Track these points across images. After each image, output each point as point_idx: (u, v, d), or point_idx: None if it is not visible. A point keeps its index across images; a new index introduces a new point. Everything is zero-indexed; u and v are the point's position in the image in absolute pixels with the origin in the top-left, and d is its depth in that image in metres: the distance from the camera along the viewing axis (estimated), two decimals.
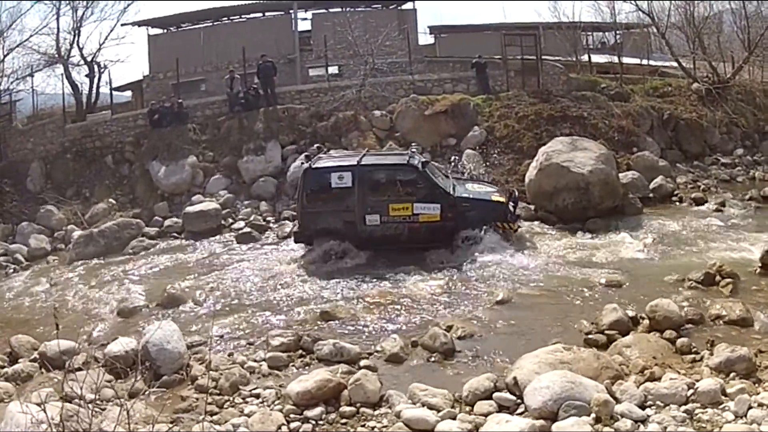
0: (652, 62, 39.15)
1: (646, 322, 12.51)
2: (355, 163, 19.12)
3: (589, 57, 38.09)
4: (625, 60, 37.00)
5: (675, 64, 34.83)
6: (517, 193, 20.36)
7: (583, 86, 30.42)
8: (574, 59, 37.43)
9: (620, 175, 22.82)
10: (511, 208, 19.31)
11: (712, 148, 29.13)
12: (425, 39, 47.37)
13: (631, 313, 12.86)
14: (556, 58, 35.20)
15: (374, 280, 16.42)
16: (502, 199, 18.85)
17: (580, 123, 26.72)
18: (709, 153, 28.79)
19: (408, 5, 44.70)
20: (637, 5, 36.85)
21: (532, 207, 21.80)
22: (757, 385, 9.65)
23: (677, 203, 23.21)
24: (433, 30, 47.97)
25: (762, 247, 16.23)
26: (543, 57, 32.19)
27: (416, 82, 30.64)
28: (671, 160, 26.85)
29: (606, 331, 12.25)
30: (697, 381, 9.57)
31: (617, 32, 43.36)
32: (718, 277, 14.92)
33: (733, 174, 27.15)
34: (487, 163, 25.06)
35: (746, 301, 13.59)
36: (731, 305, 13.07)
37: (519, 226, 19.34)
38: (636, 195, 22.55)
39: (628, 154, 25.79)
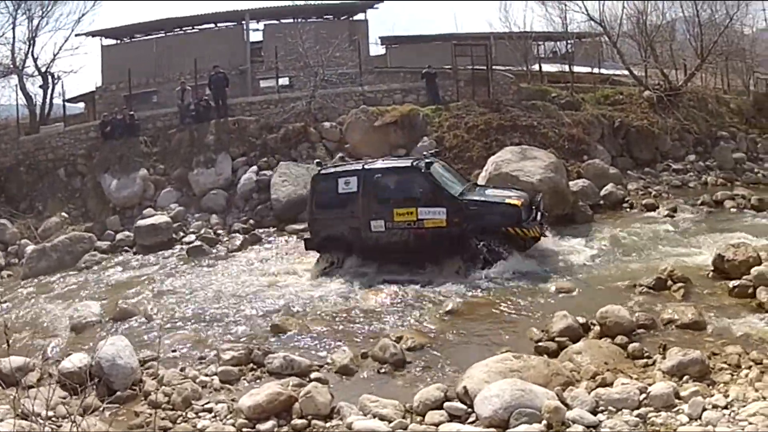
0: (603, 71, 40.13)
1: (597, 328, 12.62)
2: (361, 167, 19.14)
3: (540, 66, 38.67)
4: (577, 69, 37.80)
5: (627, 72, 35.56)
6: (540, 197, 19.65)
7: (533, 95, 30.79)
8: (525, 69, 37.85)
9: (571, 183, 23.05)
10: (534, 213, 18.37)
11: (664, 154, 29.70)
12: (377, 50, 47.97)
13: (581, 320, 12.95)
14: (507, 67, 35.49)
15: (328, 292, 16.45)
16: (517, 203, 18.05)
17: (530, 132, 27.05)
18: (660, 159, 29.31)
19: (360, 16, 45.12)
20: (588, 15, 37.44)
21: None
22: (711, 387, 9.80)
23: (628, 210, 23.55)
24: (385, 41, 48.63)
25: (714, 251, 16.55)
26: (493, 67, 32.48)
27: (366, 93, 30.97)
28: (622, 168, 27.34)
29: (557, 339, 12.31)
30: (650, 385, 9.71)
31: (569, 41, 44.08)
32: (669, 282, 15.20)
33: (685, 180, 27.62)
34: None
35: (698, 304, 13.85)
36: (683, 309, 13.26)
37: (542, 234, 18.47)
38: (586, 203, 22.75)
39: (579, 162, 26.16)
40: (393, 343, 12.29)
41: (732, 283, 14.82)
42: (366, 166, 18.93)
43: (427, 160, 18.61)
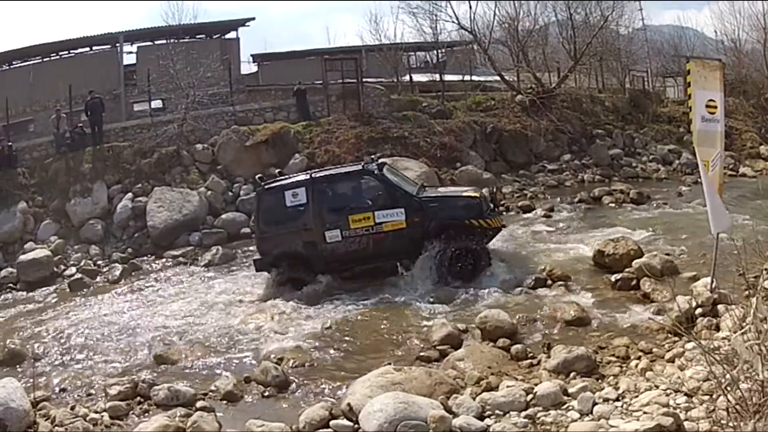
0: (475, 78, 41.27)
1: (478, 332, 12.80)
2: (308, 177, 18.48)
3: (411, 77, 39.75)
4: (448, 77, 39.22)
5: (499, 78, 36.96)
6: (496, 190, 20.13)
7: (404, 106, 31.57)
8: (396, 80, 38.46)
9: None
10: (490, 205, 18.35)
11: (538, 156, 30.96)
12: (249, 68, 48.68)
13: (462, 326, 13.17)
14: (378, 80, 36.22)
15: (208, 316, 16.34)
16: (475, 194, 17.98)
17: (401, 143, 27.77)
18: (535, 161, 30.54)
19: (231, 35, 45.54)
20: (459, 23, 38.57)
21: None
22: (600, 381, 10.03)
23: (505, 213, 23.50)
24: (256, 58, 49.44)
25: (593, 247, 17.08)
26: (364, 80, 33.17)
27: (237, 112, 31.33)
28: (496, 172, 28.28)
29: (438, 347, 12.48)
30: (536, 385, 9.84)
31: (440, 51, 45.02)
32: (549, 281, 15.69)
33: (561, 179, 28.81)
34: None
35: (581, 300, 14.25)
36: (565, 306, 13.62)
37: (503, 224, 18.33)
38: None
39: (452, 170, 27.04)
40: (274, 365, 12.25)
41: (614, 277, 15.41)
42: (314, 176, 18.51)
43: (378, 162, 18.40)
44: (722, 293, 11.94)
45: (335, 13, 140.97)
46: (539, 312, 13.82)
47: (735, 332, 9.69)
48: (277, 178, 19.18)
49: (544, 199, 26.09)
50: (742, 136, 38.04)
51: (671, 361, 10.24)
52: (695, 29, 63.62)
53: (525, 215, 23.68)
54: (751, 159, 34.32)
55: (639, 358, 10.82)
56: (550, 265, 16.44)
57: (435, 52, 46.14)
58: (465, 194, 17.96)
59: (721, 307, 11.40)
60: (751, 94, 43.89)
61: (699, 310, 11.94)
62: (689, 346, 10.37)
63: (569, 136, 32.67)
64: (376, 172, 17.76)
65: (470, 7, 39.19)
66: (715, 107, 12.31)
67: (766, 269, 12.14)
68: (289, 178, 19.36)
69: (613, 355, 11.18)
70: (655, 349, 10.97)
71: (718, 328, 10.72)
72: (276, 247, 18.08)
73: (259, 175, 19.80)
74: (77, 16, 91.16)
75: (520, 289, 15.50)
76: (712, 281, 12.11)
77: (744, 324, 9.40)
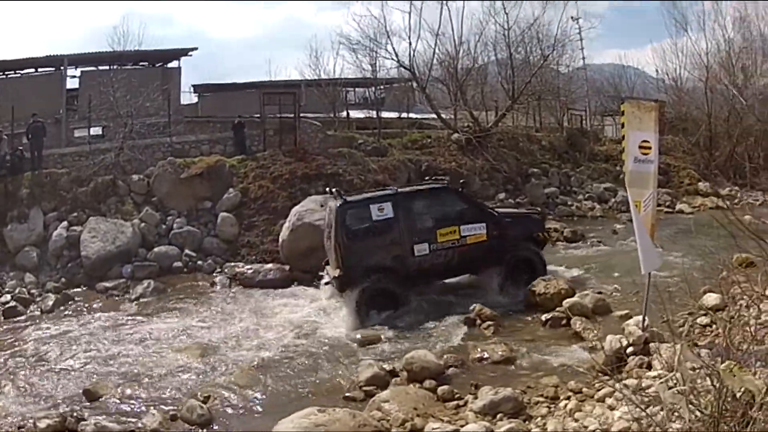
0: (412, 115, 41.93)
1: (405, 374, 12.81)
2: (395, 191, 19.16)
3: (348, 113, 40.25)
4: (386, 114, 39.55)
5: (436, 116, 37.79)
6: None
7: (340, 143, 31.82)
8: (333, 116, 39.07)
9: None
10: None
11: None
12: (189, 98, 48.93)
13: (388, 367, 13.21)
14: (316, 115, 36.65)
15: (139, 351, 16.21)
16: (535, 214, 19.96)
17: (335, 180, 27.52)
18: None
19: (173, 63, 45.46)
20: (398, 61, 39.48)
21: (287, 267, 22.24)
22: (527, 422, 10.17)
23: None
24: (197, 88, 49.75)
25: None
26: (302, 115, 33.45)
27: (174, 144, 31.29)
28: None
29: (364, 388, 12.45)
30: (462, 427, 10.04)
31: (378, 87, 46.03)
32: (479, 321, 15.88)
33: None
34: (243, 225, 25.67)
35: (511, 340, 14.48)
36: (493, 347, 13.83)
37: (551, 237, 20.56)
38: None
39: None
40: (200, 403, 12.25)
41: (545, 316, 15.77)
42: (399, 191, 19.14)
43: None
44: (654, 332, 12.29)
45: (278, 47, 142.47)
46: (467, 352, 13.99)
47: (659, 378, 9.83)
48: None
49: None
50: (680, 173, 39.27)
51: (601, 401, 10.34)
52: (636, 68, 65.56)
53: None
54: (689, 195, 35.39)
55: (568, 398, 10.91)
56: (479, 305, 16.54)
57: (373, 88, 46.79)
58: (531, 211, 19.52)
59: (653, 346, 11.67)
60: (691, 131, 45.08)
61: (630, 349, 12.17)
62: (619, 385, 10.35)
63: (504, 174, 33.33)
64: (459, 190, 19.13)
65: (410, 45, 39.87)
66: (649, 148, 12.60)
67: (689, 314, 12.80)
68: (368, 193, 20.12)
69: (541, 396, 11.30)
70: (584, 389, 11.05)
71: (650, 367, 10.95)
72: (362, 261, 18.09)
73: (336, 189, 20.11)
74: (22, 35, 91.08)
75: (448, 329, 15.80)
76: (644, 320, 12.49)
77: (668, 371, 9.61)
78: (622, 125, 12.91)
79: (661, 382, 8.84)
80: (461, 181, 21.01)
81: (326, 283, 19.28)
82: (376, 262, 18.06)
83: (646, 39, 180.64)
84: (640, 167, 12.47)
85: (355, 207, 18.53)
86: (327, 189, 20.89)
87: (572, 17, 48.32)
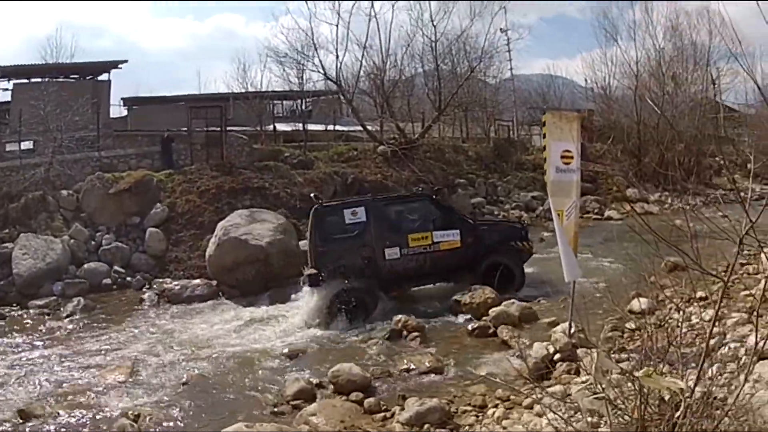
0: (339, 128, 42.13)
1: (332, 386, 12.89)
2: (371, 198, 20.10)
3: (274, 126, 40.54)
4: (312, 127, 40.00)
5: (362, 128, 37.89)
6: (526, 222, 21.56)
7: (266, 156, 32.08)
8: (260, 129, 39.19)
9: (302, 242, 23.22)
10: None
11: None
12: (119, 111, 48.42)
13: (315, 380, 13.25)
14: (243, 128, 36.69)
15: (72, 370, 15.88)
16: (519, 222, 19.88)
17: (261, 194, 28.06)
18: None
19: (104, 76, 45.06)
20: (325, 74, 39.74)
21: (214, 282, 22.13)
22: (455, 431, 10.36)
23: None
24: (127, 102, 49.09)
25: (443, 294, 18.29)
26: (229, 128, 33.46)
27: (103, 158, 31.13)
28: None
29: (291, 402, 12.46)
30: None
31: (306, 100, 46.61)
32: (405, 332, 16.02)
33: None
34: (170, 241, 25.54)
35: (438, 350, 14.72)
36: (420, 357, 13.99)
37: (531, 247, 20.28)
38: None
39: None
40: (131, 422, 12.10)
41: (471, 326, 16.03)
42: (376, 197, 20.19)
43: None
44: (581, 338, 12.44)
45: (208, 59, 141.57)
46: (394, 364, 14.13)
47: (577, 387, 10.09)
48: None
49: None
50: (609, 180, 40.56)
51: (529, 408, 10.47)
52: (565, 77, 66.93)
53: None
54: (618, 202, 36.21)
55: (496, 406, 11.05)
56: (405, 316, 16.75)
57: (300, 101, 47.41)
58: (511, 221, 19.69)
59: (580, 352, 11.85)
60: (620, 139, 46.27)
61: (558, 356, 12.41)
62: (540, 393, 10.40)
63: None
64: (434, 197, 19.68)
65: (337, 57, 40.20)
66: (571, 157, 12.82)
67: (618, 319, 13.15)
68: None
69: (469, 404, 11.46)
70: (512, 397, 11.16)
71: (578, 372, 11.09)
72: (335, 261, 18.74)
73: (315, 194, 20.64)
74: None
75: (374, 341, 15.94)
76: (570, 327, 12.75)
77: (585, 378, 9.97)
78: (544, 135, 13.18)
79: (579, 389, 9.16)
80: (436, 189, 21.61)
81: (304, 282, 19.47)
82: (347, 263, 18.60)
83: (576, 49, 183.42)
84: (562, 177, 12.79)
85: (329, 211, 19.26)
86: (311, 196, 20.88)
87: (501, 29, 49.07)
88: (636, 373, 5.80)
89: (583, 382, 9.14)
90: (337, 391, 12.74)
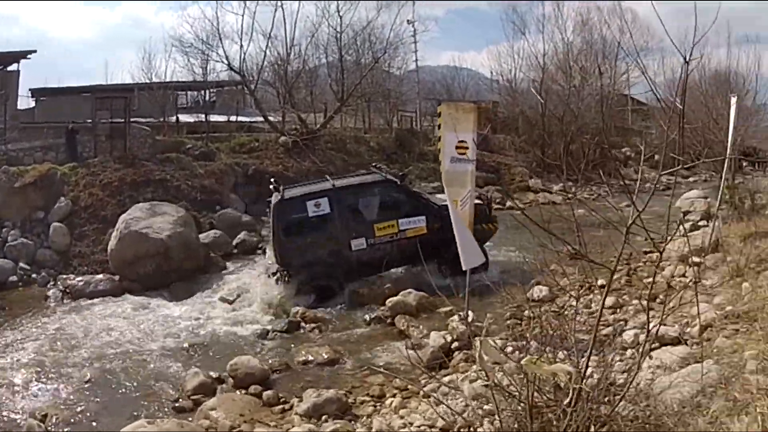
0: (242, 118, 42.15)
1: (231, 380, 13.06)
2: (331, 187, 19.44)
3: (177, 117, 40.46)
4: (215, 118, 40.13)
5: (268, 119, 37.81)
6: (490, 198, 21.40)
7: (169, 148, 31.96)
8: (163, 120, 38.89)
9: (203, 235, 24.15)
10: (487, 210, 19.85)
11: None
12: (28, 102, 47.54)
13: (215, 374, 13.34)
14: (148, 120, 36.55)
15: None
16: (481, 202, 19.03)
17: (163, 186, 28.00)
18: None
19: (13, 67, 43.28)
20: (228, 64, 40.22)
21: (117, 277, 21.92)
22: (354, 422, 10.46)
23: (263, 256, 24.08)
24: (35, 93, 48.26)
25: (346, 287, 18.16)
26: (134, 120, 33.29)
27: (9, 151, 30.59)
28: (257, 214, 28.70)
29: (192, 396, 12.55)
30: (288, 431, 10.38)
31: (210, 91, 46.71)
32: (303, 323, 16.34)
33: None
34: (74, 235, 25.12)
35: (335, 341, 15.00)
36: (318, 349, 14.23)
37: (496, 227, 19.88)
38: (218, 253, 24.04)
39: (212, 213, 27.68)
40: (38, 422, 12.06)
41: (369, 316, 16.41)
42: (337, 185, 19.64)
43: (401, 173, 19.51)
44: (479, 326, 12.72)
45: (116, 48, 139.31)
46: (292, 356, 14.36)
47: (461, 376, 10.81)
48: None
49: None
50: (512, 171, 41.54)
51: (427, 396, 10.55)
52: (470, 69, 68.13)
53: None
54: (521, 192, 37.30)
55: (394, 395, 11.28)
56: (302, 307, 17.23)
57: (204, 92, 47.40)
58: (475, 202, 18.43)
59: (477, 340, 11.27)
60: (523, 130, 47.87)
61: (455, 344, 12.76)
62: (445, 380, 10.97)
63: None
64: (399, 182, 19.27)
65: (241, 47, 40.49)
66: (467, 148, 13.03)
67: (517, 307, 13.75)
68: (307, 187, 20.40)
69: (367, 395, 11.68)
70: (410, 386, 11.32)
71: (475, 361, 10.74)
72: (300, 256, 18.82)
73: (274, 182, 20.29)
74: None
75: (273, 333, 16.20)
76: (466, 315, 12.84)
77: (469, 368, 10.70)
78: (439, 126, 13.48)
79: (464, 378, 10.35)
80: (401, 174, 21.25)
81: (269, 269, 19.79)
82: (313, 258, 18.75)
83: (484, 42, 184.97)
84: (457, 167, 13.14)
85: (291, 203, 19.17)
86: (270, 182, 20.77)
87: (408, 20, 49.66)
88: (521, 361, 5.88)
89: (476, 371, 9.85)
90: (237, 385, 12.94)
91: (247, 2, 44.06)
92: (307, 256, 18.87)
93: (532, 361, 5.70)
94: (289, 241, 19.14)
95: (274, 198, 19.47)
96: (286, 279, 19.01)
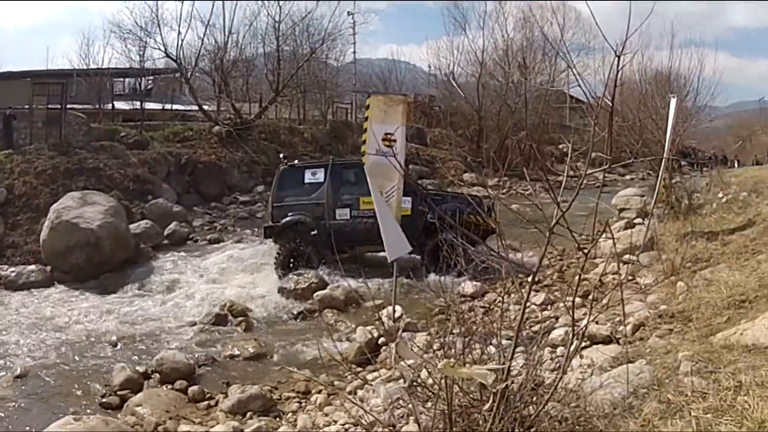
0: (177, 107, 42.08)
1: (157, 375, 12.92)
2: (329, 162, 20.62)
3: (113, 105, 40.20)
4: (151, 106, 39.99)
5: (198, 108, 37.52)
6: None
7: (103, 136, 31.81)
8: (99, 107, 38.55)
9: (133, 225, 24.01)
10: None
11: (232, 187, 32.53)
12: None
13: (141, 369, 13.17)
14: (84, 106, 36.06)
15: None
16: (476, 194, 18.81)
17: (96, 175, 27.87)
18: (228, 193, 32.03)
19: None
20: (165, 52, 40.29)
21: (48, 268, 21.72)
22: (279, 419, 10.43)
23: (194, 243, 25.19)
24: None
25: (268, 278, 18.81)
26: (71, 106, 32.98)
27: None
28: (189, 205, 29.29)
29: (119, 392, 12.34)
30: (212, 428, 10.28)
31: (147, 78, 46.22)
32: (230, 317, 16.30)
33: (253, 210, 30.26)
34: (8, 225, 24.84)
35: (262, 335, 14.98)
36: (244, 343, 14.22)
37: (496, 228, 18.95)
38: (149, 244, 23.99)
39: (143, 203, 27.61)
40: None
41: (296, 310, 16.44)
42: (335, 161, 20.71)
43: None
44: (408, 322, 13.05)
45: (59, 34, 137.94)
46: (218, 350, 14.34)
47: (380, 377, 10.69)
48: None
49: (235, 231, 27.44)
50: (447, 164, 41.86)
51: (352, 393, 10.65)
52: (408, 63, 68.73)
53: (213, 247, 24.79)
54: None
55: (320, 392, 11.24)
56: (230, 300, 17.26)
57: (141, 79, 46.70)
58: (467, 192, 18.48)
59: (405, 335, 11.61)
60: (459, 124, 48.79)
61: (383, 339, 12.87)
62: (370, 376, 11.06)
63: (264, 167, 34.42)
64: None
65: (179, 35, 40.74)
66: (394, 140, 12.93)
67: (435, 306, 13.79)
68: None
69: (293, 390, 11.66)
70: (336, 382, 11.47)
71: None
72: (288, 215, 19.90)
73: (282, 154, 22.16)
74: None
75: (199, 326, 16.11)
76: (394, 310, 12.61)
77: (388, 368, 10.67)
78: (366, 119, 13.26)
79: (381, 379, 10.37)
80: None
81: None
82: (298, 218, 19.86)
83: (424, 36, 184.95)
84: (383, 159, 12.35)
85: (292, 171, 20.78)
86: (279, 155, 22.69)
87: (348, 12, 51.84)
88: (438, 365, 5.81)
89: (409, 366, 8.59)
90: (163, 380, 12.80)
91: None
92: (295, 217, 20.01)
93: (449, 365, 5.61)
94: (282, 201, 20.37)
95: (280, 168, 20.92)
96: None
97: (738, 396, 6.45)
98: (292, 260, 19.31)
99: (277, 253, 19.79)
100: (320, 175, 20.20)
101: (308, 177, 20.37)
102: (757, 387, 6.59)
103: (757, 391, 6.48)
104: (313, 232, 19.78)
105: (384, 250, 14.46)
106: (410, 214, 18.50)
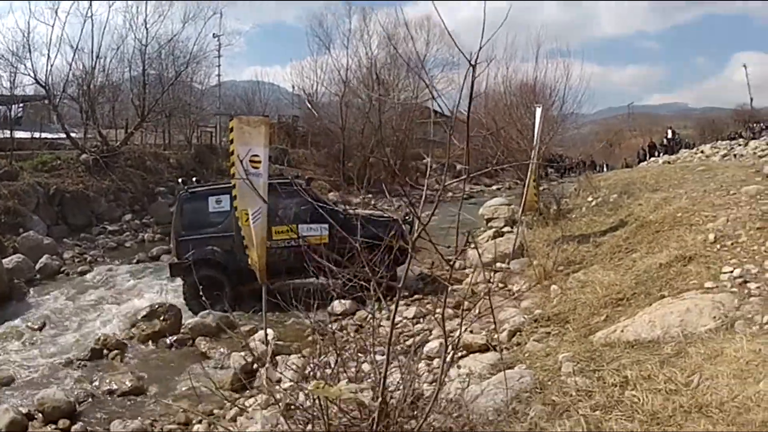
0: (46, 135, 41.12)
1: (40, 415, 12.69)
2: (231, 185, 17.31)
3: None
4: (21, 134, 38.79)
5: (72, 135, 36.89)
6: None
7: None
8: None
9: (5, 260, 23.45)
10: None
11: (99, 217, 32.09)
12: None
13: (24, 410, 12.84)
14: None
15: None
16: (396, 217, 16.25)
17: None
18: (96, 223, 31.59)
19: None
20: (35, 78, 39.39)
21: None
22: None
23: (66, 277, 24.79)
24: None
25: (127, 315, 18.45)
26: None
27: None
28: (58, 236, 28.84)
29: None
30: None
31: (18, 105, 45.24)
32: (105, 351, 16.10)
33: (122, 240, 30.13)
34: None
35: (137, 367, 14.93)
36: (121, 377, 14.03)
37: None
38: (21, 279, 23.41)
39: (15, 236, 27.01)
40: None
41: (169, 339, 16.35)
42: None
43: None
44: (281, 345, 13.23)
45: None
46: (97, 385, 14.16)
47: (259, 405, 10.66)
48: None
49: (104, 262, 27.08)
50: (311, 185, 43.59)
51: (233, 420, 10.61)
52: (272, 83, 68.97)
53: (82, 279, 24.54)
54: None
55: (200, 421, 11.22)
56: (104, 334, 17.04)
57: (11, 106, 45.33)
58: (387, 215, 17.56)
59: (279, 359, 12.28)
60: (324, 144, 49.33)
61: (257, 365, 12.68)
62: (249, 402, 11.14)
63: (131, 195, 34.31)
64: (303, 186, 17.88)
65: (48, 59, 39.87)
66: (259, 162, 13.17)
67: (306, 326, 13.68)
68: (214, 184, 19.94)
69: (174, 422, 11.60)
70: (216, 410, 11.45)
71: (279, 381, 10.30)
72: (194, 251, 18.51)
73: (183, 179, 20.19)
74: None
75: (77, 363, 15.82)
76: (266, 334, 12.95)
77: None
78: (231, 141, 13.39)
79: (257, 404, 10.46)
80: (308, 178, 20.92)
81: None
82: (206, 254, 18.63)
83: (288, 57, 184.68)
84: (250, 180, 12.28)
85: (194, 198, 19.23)
86: (180, 180, 20.84)
87: (214, 34, 51.11)
88: (308, 387, 5.87)
89: (286, 389, 8.99)
90: (46, 420, 12.48)
91: (59, 13, 42.14)
92: (201, 252, 18.87)
93: (320, 386, 5.62)
94: (187, 234, 19.13)
95: (180, 194, 19.57)
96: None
97: (625, 391, 6.75)
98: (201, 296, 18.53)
99: (184, 292, 19.16)
100: (225, 203, 18.66)
101: (213, 205, 19.13)
102: (644, 381, 6.90)
103: (644, 384, 6.80)
104: (224, 268, 18.75)
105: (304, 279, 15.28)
106: (328, 241, 17.72)
